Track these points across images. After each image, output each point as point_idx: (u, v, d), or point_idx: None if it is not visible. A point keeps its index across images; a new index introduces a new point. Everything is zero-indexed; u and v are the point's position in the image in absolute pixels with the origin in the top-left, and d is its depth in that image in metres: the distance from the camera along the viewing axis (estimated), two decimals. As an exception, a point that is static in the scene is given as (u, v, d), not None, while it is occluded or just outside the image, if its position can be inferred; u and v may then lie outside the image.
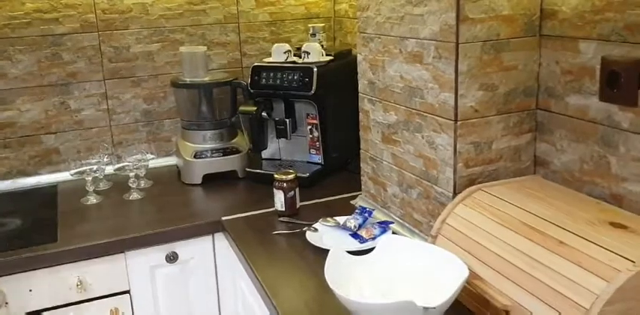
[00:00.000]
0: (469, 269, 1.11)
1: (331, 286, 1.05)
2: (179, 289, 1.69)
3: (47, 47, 1.98)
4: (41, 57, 1.98)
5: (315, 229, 1.52)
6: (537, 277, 1.03)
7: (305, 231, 1.51)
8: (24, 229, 1.70)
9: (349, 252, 1.34)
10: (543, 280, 1.02)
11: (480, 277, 1.13)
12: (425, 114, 1.36)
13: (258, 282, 1.33)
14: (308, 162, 1.98)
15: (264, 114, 1.89)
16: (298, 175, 1.74)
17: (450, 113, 1.28)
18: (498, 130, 1.34)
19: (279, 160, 2.02)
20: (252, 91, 1.92)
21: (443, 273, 1.14)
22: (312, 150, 1.96)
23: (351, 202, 1.74)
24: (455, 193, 1.33)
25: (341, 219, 1.56)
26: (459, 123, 1.28)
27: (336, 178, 1.95)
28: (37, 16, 1.95)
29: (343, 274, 1.14)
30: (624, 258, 0.95)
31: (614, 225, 1.08)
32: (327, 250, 1.34)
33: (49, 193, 1.96)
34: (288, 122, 1.91)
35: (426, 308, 1.00)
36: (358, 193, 1.76)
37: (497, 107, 1.32)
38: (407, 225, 1.51)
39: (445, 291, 1.07)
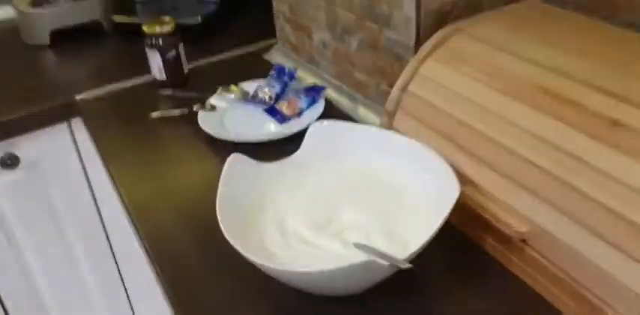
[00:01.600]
0: (456, 171, 0.67)
1: (231, 241, 0.59)
2: (31, 206, 1.21)
3: None
4: None
5: (212, 107, 1.02)
6: (573, 185, 0.60)
7: (196, 111, 1.01)
8: None
9: (265, 143, 0.89)
10: (584, 188, 0.59)
11: (474, 182, 0.70)
12: None
13: (124, 205, 0.86)
14: (199, 1, 1.40)
15: None
16: (182, 22, 1.19)
17: None
18: None
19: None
20: None
21: (415, 185, 0.70)
22: (203, -17, 1.38)
23: (264, 56, 1.23)
24: (418, 42, 0.84)
25: (250, 86, 1.06)
26: None
27: (240, 21, 1.41)
28: None
29: (250, 202, 0.69)
30: None
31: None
32: (232, 144, 0.88)
33: None
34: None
35: (392, 265, 0.57)
36: (273, 41, 1.24)
37: None
38: (345, 89, 1.04)
39: (420, 218, 0.64)
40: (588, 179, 0.59)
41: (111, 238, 1.31)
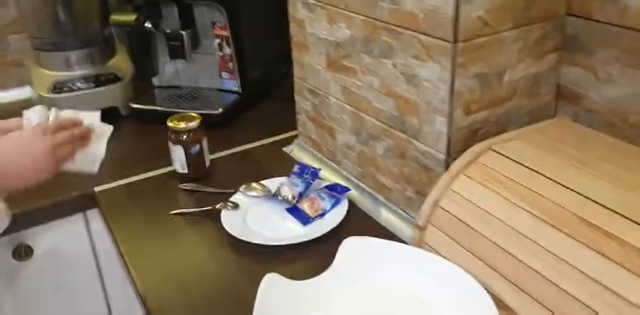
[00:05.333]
0: (490, 295, 0.67)
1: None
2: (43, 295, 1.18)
3: None
4: None
5: (235, 205, 1.02)
6: (592, 307, 0.60)
7: (219, 209, 1.01)
8: None
9: (289, 245, 0.89)
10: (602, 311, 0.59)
11: (508, 306, 0.69)
12: (399, 29, 0.85)
13: (138, 295, 0.84)
14: (220, 90, 1.42)
15: (148, 25, 1.30)
16: (207, 112, 1.21)
17: (446, 29, 0.77)
18: (514, 51, 0.85)
19: (179, 88, 1.46)
20: (128, -10, 1.31)
21: (451, 310, 0.70)
22: (223, 73, 1.41)
23: (284, 150, 1.24)
24: (449, 155, 0.86)
25: (272, 184, 1.07)
26: (460, 45, 0.78)
27: (260, 111, 1.43)
28: None
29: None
30: None
31: None
32: (256, 245, 0.87)
33: None
34: (185, 36, 1.34)
35: None
36: (293, 133, 1.26)
37: (514, 16, 0.82)
38: (368, 190, 1.04)
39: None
40: (614, 307, 0.59)
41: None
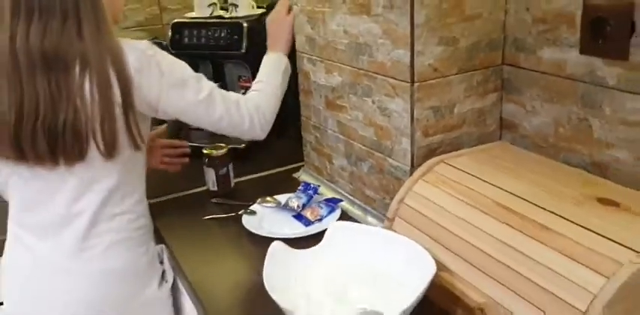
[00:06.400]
0: (436, 261, 0.93)
1: (273, 296, 0.85)
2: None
3: None
4: None
5: (253, 212, 1.31)
6: (518, 271, 0.86)
7: (241, 214, 1.30)
8: None
9: (293, 239, 1.16)
10: (525, 274, 0.84)
11: (449, 268, 0.95)
12: (375, 75, 1.15)
13: (185, 280, 1.12)
14: (243, 130, 1.74)
15: (188, 78, 1.64)
16: (232, 146, 1.51)
17: (406, 74, 1.08)
18: (460, 91, 1.14)
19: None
20: (173, 52, 1.66)
21: (405, 268, 0.96)
22: (247, 117, 1.73)
23: (294, 175, 1.54)
24: (413, 167, 1.14)
25: (282, 198, 1.35)
26: (416, 85, 1.08)
27: (276, 148, 1.73)
28: None
29: (286, 275, 0.95)
30: (625, 247, 0.78)
31: (603, 201, 0.91)
32: (268, 238, 1.15)
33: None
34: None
35: (388, 317, 0.82)
36: (301, 164, 1.56)
37: (458, 64, 1.12)
38: (358, 202, 1.32)
39: (408, 291, 0.89)
40: (527, 267, 0.85)
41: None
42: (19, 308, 1.11)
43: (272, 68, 1.34)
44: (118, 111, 1.01)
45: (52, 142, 0.99)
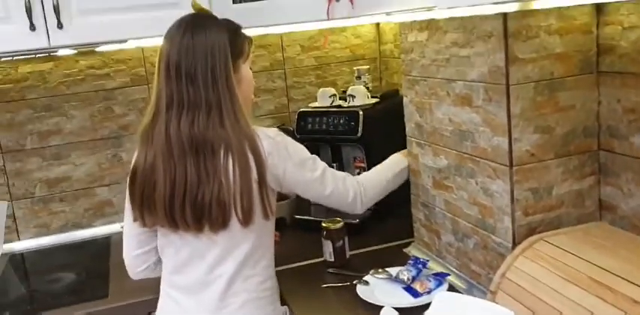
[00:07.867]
0: (534, 331, 1.02)
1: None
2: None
3: (100, 101, 2.02)
4: (94, 111, 2.02)
5: (366, 283, 1.44)
6: None
7: (355, 284, 1.43)
8: (78, 282, 1.75)
9: (403, 308, 1.27)
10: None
11: (547, 339, 1.03)
12: (477, 159, 1.29)
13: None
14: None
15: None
16: (347, 221, 1.67)
17: (505, 158, 1.20)
18: (558, 174, 1.24)
19: (328, 205, 1.96)
20: (298, 136, 1.88)
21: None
22: (361, 195, 1.90)
23: (404, 250, 1.66)
24: (514, 244, 1.23)
25: (393, 270, 1.48)
26: (514, 168, 1.20)
27: (387, 224, 1.87)
28: (90, 72, 1.99)
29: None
30: None
31: (697, 280, 0.97)
32: (380, 307, 1.26)
33: (103, 244, 1.97)
34: (335, 167, 1.86)
35: None
36: (411, 240, 1.68)
37: (555, 150, 1.23)
38: (464, 276, 1.42)
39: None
40: None
41: None
42: None
43: (389, 165, 1.58)
44: (255, 186, 1.21)
45: (197, 212, 1.20)
